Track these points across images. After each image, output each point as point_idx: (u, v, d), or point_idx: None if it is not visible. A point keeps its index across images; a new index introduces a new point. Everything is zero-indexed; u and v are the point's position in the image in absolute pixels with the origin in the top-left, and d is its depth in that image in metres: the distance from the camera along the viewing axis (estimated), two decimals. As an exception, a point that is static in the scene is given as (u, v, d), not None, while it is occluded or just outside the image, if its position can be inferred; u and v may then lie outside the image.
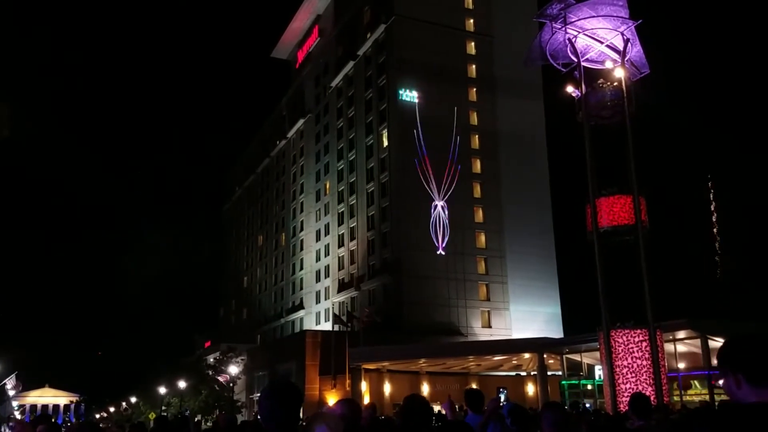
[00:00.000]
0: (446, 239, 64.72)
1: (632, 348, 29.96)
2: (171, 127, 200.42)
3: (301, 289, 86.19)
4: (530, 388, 50.56)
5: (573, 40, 32.79)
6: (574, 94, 33.70)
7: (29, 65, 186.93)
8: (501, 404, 7.54)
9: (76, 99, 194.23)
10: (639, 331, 30.19)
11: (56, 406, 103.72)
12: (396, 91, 68.78)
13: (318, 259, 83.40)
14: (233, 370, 61.81)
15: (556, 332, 62.70)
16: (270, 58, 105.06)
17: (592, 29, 32.90)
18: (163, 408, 64.32)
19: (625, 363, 29.95)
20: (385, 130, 70.85)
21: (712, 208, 73.39)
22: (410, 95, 68.23)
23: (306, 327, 77.13)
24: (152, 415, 61.93)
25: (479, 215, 69.00)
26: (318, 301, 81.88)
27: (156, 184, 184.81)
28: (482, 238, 68.60)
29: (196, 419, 57.89)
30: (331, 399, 48.30)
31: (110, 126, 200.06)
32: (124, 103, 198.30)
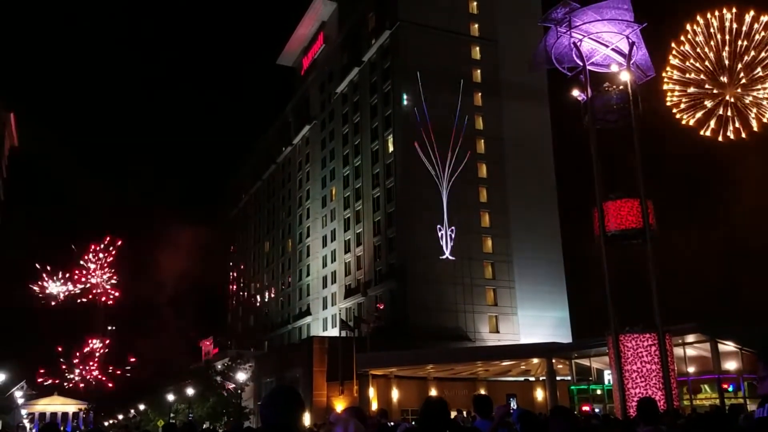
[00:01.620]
0: (452, 244, 64.59)
1: (641, 352, 29.79)
2: (176, 134, 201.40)
3: (308, 295, 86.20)
4: (539, 394, 50.32)
5: (578, 43, 32.78)
6: (579, 98, 33.65)
7: (37, 74, 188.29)
8: (510, 410, 7.50)
9: (79, 105, 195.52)
10: (648, 335, 30.01)
11: (65, 414, 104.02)
12: (401, 96, 68.90)
13: (324, 265, 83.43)
14: (241, 376, 61.82)
15: (564, 337, 62.45)
16: (275, 65, 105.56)
17: (597, 33, 32.87)
18: (172, 415, 64.37)
19: (634, 367, 29.77)
20: (391, 135, 70.94)
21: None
22: (411, 100, 68.40)
23: (313, 333, 77.10)
24: (161, 423, 62.00)
25: (485, 220, 68.91)
26: (325, 307, 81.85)
27: (161, 191, 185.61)
28: (489, 242, 68.47)
29: (204, 426, 57.91)
30: (339, 405, 48.22)
31: (114, 133, 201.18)
32: (129, 110, 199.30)
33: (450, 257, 64.41)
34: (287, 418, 3.53)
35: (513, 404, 42.14)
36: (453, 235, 64.97)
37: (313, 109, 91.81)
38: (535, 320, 65.27)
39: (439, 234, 64.76)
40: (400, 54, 70.73)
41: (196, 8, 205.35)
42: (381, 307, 60.41)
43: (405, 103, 68.27)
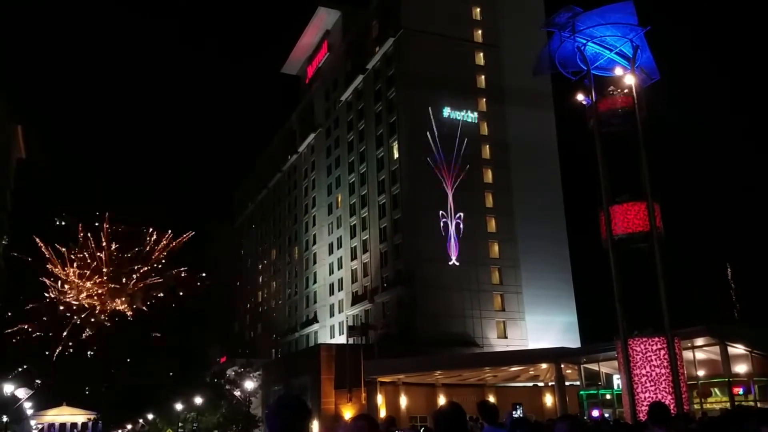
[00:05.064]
0: (459, 250, 64.50)
1: (650, 356, 29.64)
2: (182, 143, 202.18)
3: (315, 302, 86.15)
4: (548, 399, 50.10)
5: (582, 48, 32.77)
6: (584, 102, 33.64)
7: (43, 87, 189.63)
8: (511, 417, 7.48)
9: (85, 117, 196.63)
10: (657, 339, 29.87)
11: (74, 424, 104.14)
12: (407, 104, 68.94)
13: (331, 272, 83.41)
14: (250, 384, 61.81)
15: (572, 341, 62.14)
16: (280, 73, 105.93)
17: (601, 37, 32.87)
18: (180, 424, 64.43)
19: (643, 372, 29.62)
20: (396, 142, 71.00)
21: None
22: (471, 115, 68.84)
23: (320, 340, 76.99)
24: (169, 432, 62.10)
25: (492, 225, 68.76)
26: (332, 314, 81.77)
27: (167, 201, 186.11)
28: (495, 247, 68.30)
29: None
30: (347, 412, 48.14)
31: (119, 143, 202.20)
32: (134, 120, 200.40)
33: (456, 263, 64.31)
34: (293, 427, 3.54)
35: (519, 412, 41.97)
36: (459, 241, 64.86)
37: (317, 117, 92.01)
38: (543, 325, 64.98)
39: (446, 240, 64.65)
40: (403, 61, 70.87)
41: (200, 18, 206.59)
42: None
43: (445, 115, 68.75)
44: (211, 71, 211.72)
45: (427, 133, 66.98)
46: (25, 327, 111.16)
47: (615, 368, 36.21)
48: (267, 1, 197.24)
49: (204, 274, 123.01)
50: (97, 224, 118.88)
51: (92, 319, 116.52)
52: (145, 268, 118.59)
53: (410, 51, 70.48)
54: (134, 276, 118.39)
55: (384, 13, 75.77)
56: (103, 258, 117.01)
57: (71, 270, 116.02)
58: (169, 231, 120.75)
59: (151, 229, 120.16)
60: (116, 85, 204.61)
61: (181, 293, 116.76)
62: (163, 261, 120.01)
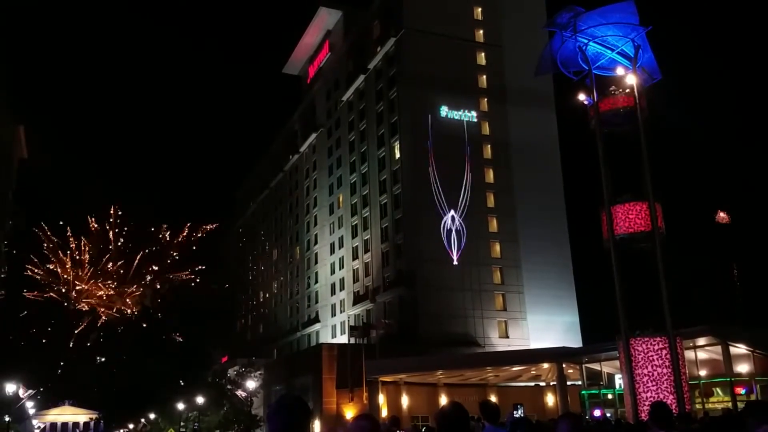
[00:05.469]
0: (461, 250, 64.49)
1: (652, 356, 29.63)
2: (184, 143, 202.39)
3: (317, 302, 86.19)
4: (550, 399, 50.10)
5: (583, 47, 32.78)
6: (586, 102, 33.64)
7: (45, 88, 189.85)
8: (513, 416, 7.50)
9: (87, 118, 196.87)
10: (658, 338, 29.87)
11: (75, 424, 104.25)
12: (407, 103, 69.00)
13: (333, 272, 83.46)
14: (251, 384, 61.84)
15: (574, 341, 62.12)
16: (281, 74, 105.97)
17: (603, 36, 32.89)
18: (182, 424, 64.48)
19: (645, 371, 29.62)
20: (397, 142, 71.01)
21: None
22: (472, 115, 68.94)
23: (322, 340, 77.03)
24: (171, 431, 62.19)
25: (493, 225, 68.76)
26: (333, 314, 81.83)
27: (168, 201, 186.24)
28: (497, 247, 68.30)
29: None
30: (349, 412, 48.19)
31: (120, 143, 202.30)
32: (135, 120, 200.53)
33: (458, 263, 64.28)
34: (294, 427, 3.56)
35: (520, 412, 41.98)
36: (462, 241, 64.83)
37: (319, 117, 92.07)
38: (544, 325, 64.98)
39: (447, 240, 64.62)
40: (405, 61, 70.87)
41: (201, 19, 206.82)
42: (387, 322, 60.20)
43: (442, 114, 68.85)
44: (212, 72, 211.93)
45: (429, 133, 66.97)
46: (28, 327, 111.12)
47: (617, 368, 36.20)
48: (268, 2, 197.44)
49: (208, 273, 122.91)
50: (96, 225, 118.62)
51: (98, 320, 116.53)
52: (155, 267, 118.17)
53: (411, 51, 70.47)
54: (147, 276, 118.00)
55: (385, 13, 75.78)
56: (111, 250, 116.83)
57: (79, 271, 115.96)
58: (187, 224, 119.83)
59: (165, 225, 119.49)
60: (118, 85, 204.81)
61: (193, 292, 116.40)
62: (177, 257, 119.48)
